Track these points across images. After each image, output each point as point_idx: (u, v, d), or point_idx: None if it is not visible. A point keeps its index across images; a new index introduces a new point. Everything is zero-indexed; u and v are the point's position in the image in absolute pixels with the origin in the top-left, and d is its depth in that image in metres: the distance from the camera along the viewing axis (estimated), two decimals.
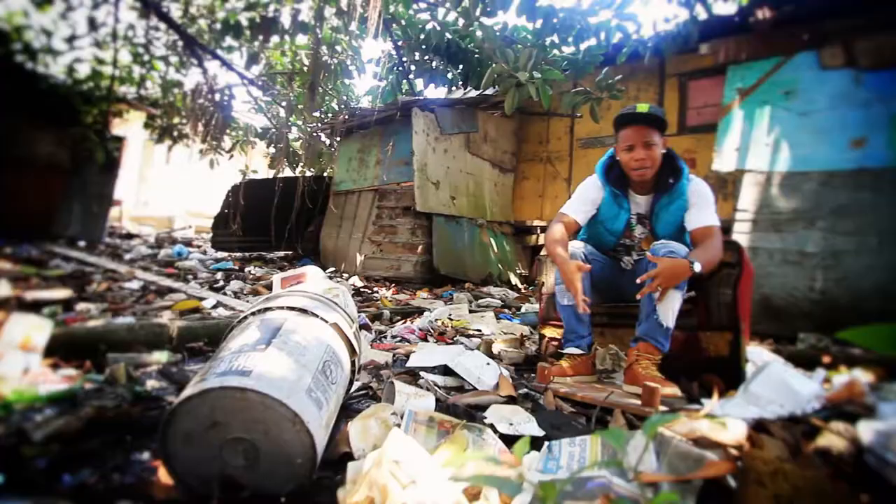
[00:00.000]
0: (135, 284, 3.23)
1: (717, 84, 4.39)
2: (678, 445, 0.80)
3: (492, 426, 1.20)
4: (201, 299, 3.10)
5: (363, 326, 1.45)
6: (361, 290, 4.36)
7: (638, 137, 1.69)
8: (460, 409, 1.31)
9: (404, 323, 2.98)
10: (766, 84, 3.42)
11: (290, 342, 0.91)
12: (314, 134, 6.75)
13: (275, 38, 4.78)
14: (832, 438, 1.09)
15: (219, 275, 4.17)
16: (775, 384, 1.56)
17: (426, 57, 5.68)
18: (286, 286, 1.28)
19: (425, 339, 2.56)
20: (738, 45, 3.50)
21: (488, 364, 1.73)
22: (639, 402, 1.43)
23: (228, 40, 4.92)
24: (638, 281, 1.58)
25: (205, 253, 5.72)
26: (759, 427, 1.30)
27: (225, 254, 5.78)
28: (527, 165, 7.13)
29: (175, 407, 0.77)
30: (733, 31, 3.72)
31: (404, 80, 5.83)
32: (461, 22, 5.21)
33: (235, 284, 3.65)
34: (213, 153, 7.48)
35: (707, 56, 5.05)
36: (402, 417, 1.10)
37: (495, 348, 2.10)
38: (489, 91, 6.35)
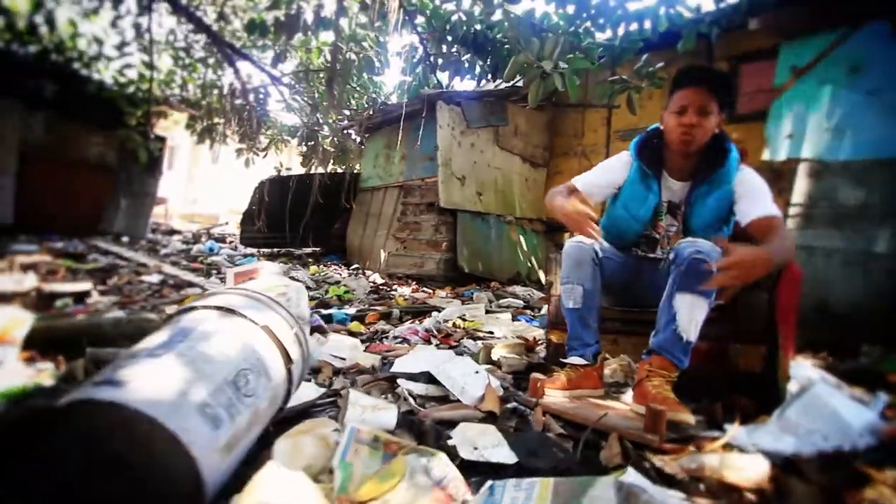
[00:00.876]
0: (154, 279, 3.30)
1: (772, 67, 3.93)
2: (649, 502, 0.61)
3: (454, 449, 1.03)
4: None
5: (317, 329, 1.34)
6: (380, 287, 4.28)
7: (694, 99, 1.43)
8: (427, 426, 1.15)
9: (413, 323, 2.85)
10: (826, 60, 2.99)
11: (196, 348, 0.79)
12: (344, 131, 6.78)
13: (299, 35, 4.78)
14: (885, 492, 0.84)
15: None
16: (818, 410, 1.29)
17: (453, 49, 5.52)
18: (239, 282, 1.18)
19: (428, 341, 2.42)
20: (793, 16, 3.09)
21: (477, 372, 1.56)
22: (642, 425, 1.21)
23: (257, 40, 4.98)
24: (715, 269, 1.20)
25: (235, 249, 5.87)
26: (789, 466, 1.05)
27: (253, 250, 5.91)
28: (560, 160, 6.81)
29: (44, 420, 0.67)
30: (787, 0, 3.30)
31: (431, 75, 5.70)
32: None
33: None
34: (249, 152, 7.70)
35: (760, 35, 4.57)
36: None
37: (495, 354, 1.92)
38: (520, 83, 6.12)
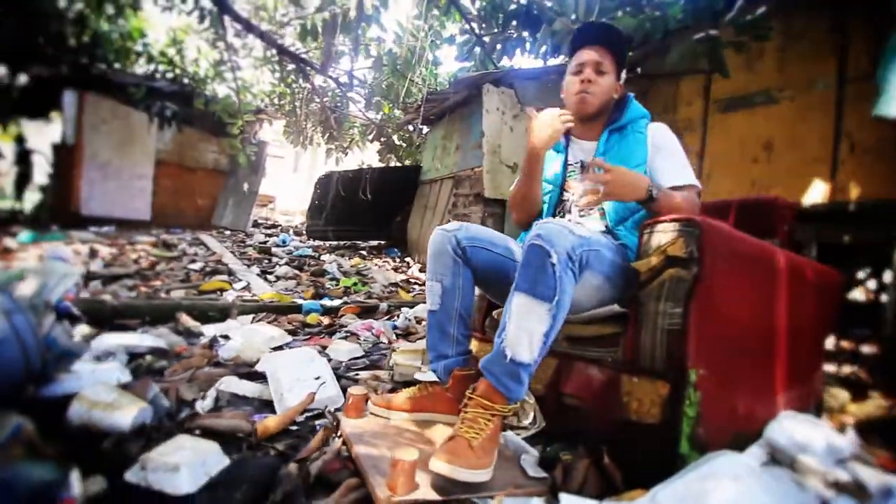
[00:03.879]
0: (196, 266, 3.71)
1: None
2: None
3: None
4: (233, 280, 3.38)
5: (66, 316, 1.27)
6: (408, 280, 4.19)
7: (590, 57, 1.30)
8: (162, 433, 1.02)
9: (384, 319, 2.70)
10: None
11: None
12: (408, 125, 6.84)
13: (346, 35, 4.92)
14: None
15: (283, 260, 4.53)
16: (701, 499, 0.80)
17: (509, 27, 5.12)
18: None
19: (378, 339, 2.25)
20: None
21: (318, 378, 1.35)
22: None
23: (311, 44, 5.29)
24: (574, 190, 1.14)
25: (304, 241, 6.36)
26: None
27: (319, 242, 6.33)
28: None
29: None
30: None
31: (486, 58, 5.39)
32: None
33: (281, 270, 3.89)
34: (337, 152, 8.30)
35: None
36: None
37: (392, 359, 1.66)
38: None
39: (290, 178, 15.45)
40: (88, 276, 2.96)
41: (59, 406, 1.07)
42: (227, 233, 7.04)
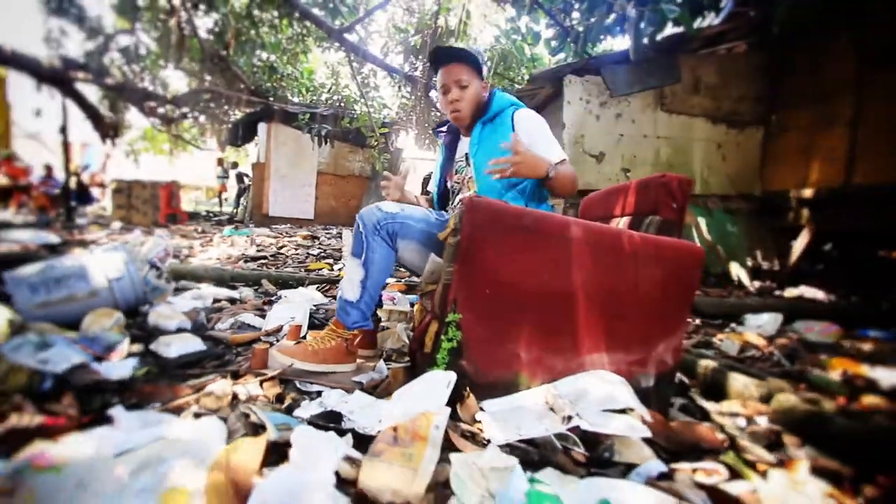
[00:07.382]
0: (315, 251, 4.84)
1: None
2: None
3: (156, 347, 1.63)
4: (335, 263, 4.35)
5: (153, 266, 2.00)
6: None
7: (449, 77, 1.55)
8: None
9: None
10: None
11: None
12: None
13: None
14: None
15: None
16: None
17: (594, 13, 5.03)
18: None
19: (391, 300, 2.79)
20: None
21: (292, 319, 1.99)
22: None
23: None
24: (490, 164, 1.38)
25: None
26: None
27: None
28: (788, 112, 5.09)
29: None
30: None
31: (577, 48, 5.36)
32: None
33: None
34: None
35: None
36: None
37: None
38: (710, 21, 5.00)
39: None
40: (241, 257, 4.27)
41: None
42: None
